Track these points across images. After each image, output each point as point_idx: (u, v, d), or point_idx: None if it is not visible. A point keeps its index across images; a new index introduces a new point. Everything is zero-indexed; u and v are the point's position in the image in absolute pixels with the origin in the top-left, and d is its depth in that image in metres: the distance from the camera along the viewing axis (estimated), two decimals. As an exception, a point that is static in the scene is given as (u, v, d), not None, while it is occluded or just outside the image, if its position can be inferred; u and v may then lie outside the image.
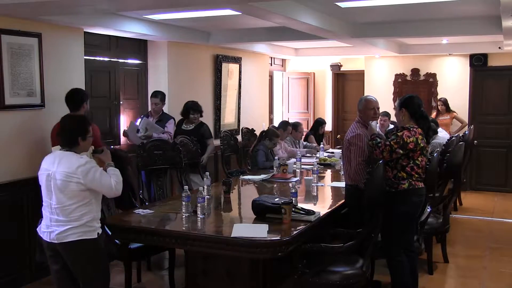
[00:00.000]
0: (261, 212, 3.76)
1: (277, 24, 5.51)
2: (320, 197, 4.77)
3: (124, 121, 6.39)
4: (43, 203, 3.28)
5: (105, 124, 6.01)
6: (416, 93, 4.49)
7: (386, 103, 8.95)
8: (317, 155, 6.95)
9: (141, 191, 5.11)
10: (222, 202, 4.48)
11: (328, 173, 5.98)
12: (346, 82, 10.89)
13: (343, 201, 4.38)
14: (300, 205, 3.92)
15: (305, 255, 3.59)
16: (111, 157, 3.55)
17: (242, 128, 7.58)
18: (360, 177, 4.09)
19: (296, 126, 7.29)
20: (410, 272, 4.06)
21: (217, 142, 6.91)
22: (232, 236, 3.32)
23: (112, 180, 3.29)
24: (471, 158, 8.47)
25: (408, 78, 9.59)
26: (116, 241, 3.91)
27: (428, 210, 4.64)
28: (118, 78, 6.23)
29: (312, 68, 10.79)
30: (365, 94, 7.20)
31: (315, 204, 4.43)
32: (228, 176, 6.06)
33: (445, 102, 8.86)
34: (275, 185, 5.18)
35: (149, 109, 6.08)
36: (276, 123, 9.73)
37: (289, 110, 10.79)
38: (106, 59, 6.07)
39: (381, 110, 5.13)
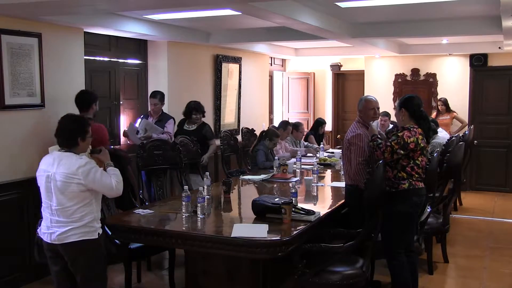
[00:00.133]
0: (261, 212, 3.76)
1: (277, 24, 5.51)
2: (320, 197, 4.77)
3: (124, 121, 6.39)
4: (43, 204, 3.27)
5: (105, 124, 5.98)
6: (416, 93, 4.50)
7: (386, 103, 8.96)
8: (317, 155, 6.95)
9: (141, 191, 5.11)
10: (222, 202, 4.48)
11: (328, 173, 5.98)
12: (346, 82, 10.89)
13: (343, 201, 4.38)
14: (300, 205, 3.92)
15: (305, 255, 3.59)
16: (111, 157, 3.53)
17: (242, 128, 7.58)
18: (360, 177, 4.09)
19: (297, 126, 7.29)
20: (410, 272, 4.06)
21: (217, 142, 6.90)
22: (232, 236, 3.32)
23: (112, 180, 3.28)
24: (471, 158, 8.46)
25: (408, 78, 9.59)
26: (116, 241, 3.90)
27: (428, 210, 4.64)
28: (118, 78, 6.23)
29: (312, 68, 10.80)
30: (365, 94, 7.20)
31: (315, 204, 4.43)
32: (228, 176, 6.06)
33: (445, 102, 8.87)
34: (275, 185, 5.18)
35: (149, 109, 6.07)
36: (276, 123, 9.73)
37: (289, 110, 10.79)
38: (106, 59, 6.07)
39: (381, 110, 5.14)
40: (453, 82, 9.25)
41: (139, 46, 6.62)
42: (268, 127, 7.77)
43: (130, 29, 5.59)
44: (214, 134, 6.39)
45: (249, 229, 3.44)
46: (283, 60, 10.85)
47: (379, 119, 7.36)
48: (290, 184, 4.51)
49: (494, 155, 9.04)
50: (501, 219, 7.26)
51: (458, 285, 5.06)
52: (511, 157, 8.97)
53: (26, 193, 4.70)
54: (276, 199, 3.79)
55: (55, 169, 3.16)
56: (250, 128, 7.46)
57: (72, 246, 3.17)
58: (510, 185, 8.96)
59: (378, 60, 9.81)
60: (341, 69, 10.72)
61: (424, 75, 9.48)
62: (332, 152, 7.23)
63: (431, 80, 9.41)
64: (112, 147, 5.55)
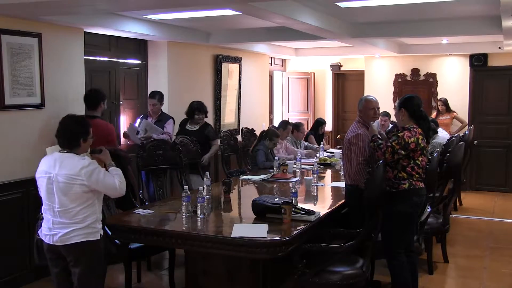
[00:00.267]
0: (261, 212, 3.76)
1: (277, 24, 5.51)
2: (320, 197, 4.77)
3: (124, 121, 6.39)
4: (44, 206, 3.24)
5: (105, 124, 6.01)
6: (416, 93, 4.50)
7: (386, 103, 8.96)
8: (317, 155, 6.95)
9: (141, 191, 5.11)
10: (222, 202, 4.48)
11: (328, 173, 5.98)
12: (346, 82, 10.89)
13: (343, 201, 4.38)
14: (300, 205, 3.92)
15: (305, 255, 3.59)
16: (111, 157, 3.53)
17: (242, 128, 7.58)
18: (361, 177, 4.08)
19: (298, 126, 7.29)
20: (410, 272, 4.06)
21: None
22: (232, 236, 3.32)
23: (116, 180, 3.26)
24: (471, 158, 8.46)
25: (408, 78, 9.59)
26: (116, 241, 3.90)
27: (428, 210, 4.64)
28: (118, 78, 6.23)
29: (312, 68, 10.79)
30: (365, 94, 7.20)
31: (315, 204, 4.43)
32: (228, 176, 6.06)
33: (445, 102, 8.87)
34: (275, 185, 5.18)
35: (148, 109, 6.07)
36: (276, 123, 9.73)
37: (289, 110, 10.79)
38: (106, 59, 6.07)
39: (381, 110, 5.13)
40: (453, 82, 9.25)
41: (139, 46, 6.62)
42: (268, 127, 7.77)
43: (130, 29, 5.59)
44: (216, 135, 6.39)
45: (249, 229, 3.44)
46: (283, 60, 10.85)
47: (379, 119, 7.37)
48: (290, 184, 4.51)
49: (494, 155, 9.04)
50: (501, 219, 7.26)
51: (458, 285, 5.06)
52: (511, 157, 8.97)
53: (26, 193, 4.70)
54: (276, 199, 3.79)
55: (57, 170, 3.13)
56: (250, 128, 7.46)
57: (74, 247, 3.15)
58: (510, 185, 8.96)
59: (378, 60, 9.81)
60: (341, 69, 10.72)
61: (424, 75, 9.48)
62: (332, 152, 7.23)
63: (431, 80, 9.41)
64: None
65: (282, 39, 7.11)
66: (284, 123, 7.14)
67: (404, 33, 6.47)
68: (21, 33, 4.62)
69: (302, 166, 5.97)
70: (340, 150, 5.95)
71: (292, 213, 3.65)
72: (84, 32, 5.38)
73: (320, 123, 8.34)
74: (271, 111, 10.22)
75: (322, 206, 4.34)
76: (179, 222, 3.83)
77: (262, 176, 5.44)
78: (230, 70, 8.09)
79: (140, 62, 6.67)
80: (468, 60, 9.06)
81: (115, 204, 4.38)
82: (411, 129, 3.96)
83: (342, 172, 5.24)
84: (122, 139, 6.17)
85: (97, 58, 5.92)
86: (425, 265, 4.98)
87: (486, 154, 9.09)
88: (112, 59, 6.14)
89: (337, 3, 4.95)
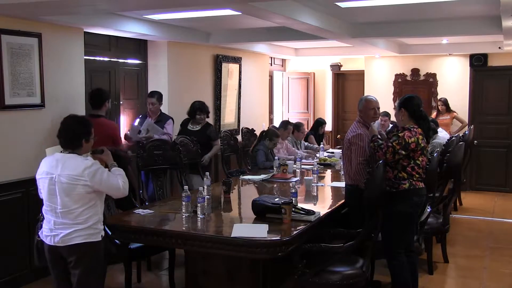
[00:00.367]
0: (261, 212, 3.76)
1: (277, 24, 5.51)
2: (320, 197, 4.77)
3: (124, 121, 6.39)
4: (45, 207, 3.22)
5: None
6: (416, 93, 4.50)
7: (386, 103, 8.96)
8: (317, 155, 6.95)
9: (141, 191, 5.12)
10: (222, 202, 4.48)
11: (328, 173, 5.98)
12: (346, 82, 10.89)
13: (343, 201, 4.38)
14: (300, 205, 3.92)
15: (305, 255, 3.59)
16: (112, 157, 3.52)
17: (242, 128, 7.57)
18: (361, 177, 4.09)
19: (298, 126, 7.29)
20: (410, 272, 4.06)
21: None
22: (232, 236, 3.32)
23: (119, 181, 3.25)
24: (471, 158, 8.47)
25: (408, 78, 9.59)
26: (116, 241, 3.90)
27: (428, 210, 4.64)
28: (118, 78, 6.23)
29: (312, 68, 10.79)
30: (365, 94, 7.20)
31: (315, 204, 4.43)
32: (228, 176, 6.06)
33: (445, 102, 8.87)
34: (275, 185, 5.18)
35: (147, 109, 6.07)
36: (276, 123, 9.74)
37: (289, 110, 10.79)
38: (106, 59, 6.07)
39: (381, 110, 5.13)
40: (453, 82, 9.25)
41: (139, 46, 6.62)
42: (268, 127, 7.77)
43: (130, 29, 5.59)
44: (218, 135, 6.39)
45: (249, 229, 3.44)
46: (283, 60, 10.85)
47: (379, 119, 7.38)
48: (290, 184, 4.50)
49: (494, 155, 9.04)
50: (501, 219, 7.26)
51: (458, 285, 5.06)
52: (511, 157, 8.97)
53: (26, 193, 4.70)
54: (276, 199, 3.79)
55: (59, 171, 3.11)
56: (250, 128, 7.46)
57: (76, 248, 3.13)
58: (510, 185, 8.96)
59: (378, 60, 9.81)
60: (341, 69, 10.72)
61: (424, 75, 9.48)
62: (332, 152, 7.23)
63: (431, 80, 9.41)
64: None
65: (282, 39, 7.11)
66: (285, 123, 7.14)
67: (404, 33, 6.47)
68: (21, 33, 4.62)
69: (302, 166, 5.97)
70: (340, 150, 5.95)
71: (292, 213, 3.65)
72: (84, 32, 5.38)
73: (320, 123, 8.34)
74: (271, 111, 10.22)
75: (322, 206, 4.34)
76: (179, 222, 3.83)
77: (262, 176, 5.44)
78: (230, 70, 8.09)
79: (140, 62, 6.67)
80: (468, 60, 9.06)
81: (115, 204, 4.37)
82: (411, 129, 3.96)
83: (342, 172, 5.24)
84: (123, 141, 6.17)
85: (97, 58, 5.92)
86: (425, 265, 4.98)
87: (486, 154, 9.09)
88: (112, 59, 6.14)
89: (337, 3, 4.95)
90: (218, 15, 5.37)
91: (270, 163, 6.04)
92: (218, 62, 7.74)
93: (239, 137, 7.27)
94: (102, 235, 3.25)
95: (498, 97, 8.94)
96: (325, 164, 6.35)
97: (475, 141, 8.80)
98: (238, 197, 5.03)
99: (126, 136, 5.86)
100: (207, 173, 4.59)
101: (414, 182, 3.96)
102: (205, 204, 3.95)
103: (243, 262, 3.62)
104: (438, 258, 5.27)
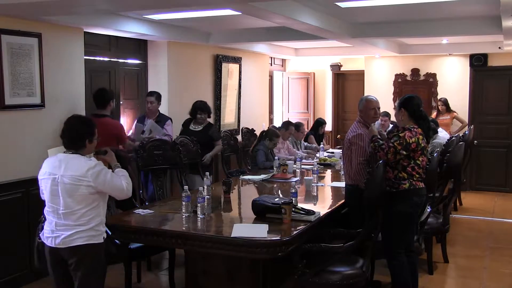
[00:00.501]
0: (261, 212, 3.76)
1: (277, 24, 5.51)
2: (320, 197, 4.77)
3: (124, 121, 6.38)
4: (47, 208, 3.19)
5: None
6: (416, 93, 4.50)
7: (386, 103, 8.96)
8: (317, 155, 6.95)
9: (141, 191, 5.12)
10: (222, 202, 4.48)
11: (328, 173, 5.98)
12: (346, 82, 10.89)
13: (343, 201, 4.38)
14: (300, 205, 3.92)
15: (305, 255, 3.59)
16: (115, 157, 3.49)
17: (242, 128, 7.58)
18: (361, 177, 4.09)
19: (298, 126, 7.28)
20: (410, 272, 4.06)
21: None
22: (232, 236, 3.32)
23: (123, 182, 3.23)
24: (471, 158, 8.46)
25: (408, 78, 9.59)
26: (116, 241, 3.90)
27: (428, 210, 4.63)
28: (118, 78, 6.23)
29: (312, 68, 10.79)
30: (365, 94, 7.20)
31: (315, 204, 4.43)
32: (228, 176, 6.06)
33: (445, 102, 8.87)
34: (275, 185, 5.18)
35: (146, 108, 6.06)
36: (276, 123, 9.75)
37: (289, 110, 10.79)
38: (106, 59, 6.07)
39: (381, 110, 5.13)
40: (453, 82, 9.25)
41: (139, 46, 6.61)
42: (268, 127, 7.77)
43: (130, 29, 5.59)
44: (220, 135, 6.38)
45: (249, 229, 3.44)
46: (283, 60, 10.85)
47: (380, 119, 7.37)
48: (290, 184, 4.50)
49: (494, 155, 9.04)
50: (501, 219, 7.26)
51: (458, 285, 5.06)
52: (511, 157, 8.96)
53: (26, 193, 4.70)
54: (276, 199, 3.79)
55: (62, 171, 3.08)
56: (250, 128, 7.46)
57: (77, 250, 3.11)
58: (510, 185, 8.96)
59: (378, 60, 9.81)
60: (341, 69, 10.72)
61: (424, 75, 9.48)
62: (332, 152, 7.23)
63: (431, 80, 9.41)
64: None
65: (282, 39, 7.11)
66: (286, 124, 7.13)
67: (404, 33, 6.47)
68: (21, 33, 4.62)
69: (302, 166, 5.97)
70: (340, 150, 5.95)
71: (292, 213, 3.65)
72: (84, 32, 5.38)
73: (320, 123, 8.34)
74: (271, 111, 10.22)
75: (322, 206, 4.34)
76: (179, 222, 3.83)
77: (262, 176, 5.44)
78: (230, 70, 8.09)
79: (140, 62, 6.67)
80: (468, 60, 9.06)
81: (115, 204, 4.38)
82: (412, 129, 3.96)
83: (342, 172, 5.24)
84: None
85: (97, 58, 5.92)
86: (425, 265, 4.98)
87: (486, 154, 9.09)
88: (112, 59, 6.14)
89: (337, 3, 4.95)
90: (218, 15, 5.37)
91: (270, 163, 6.04)
92: (218, 62, 7.74)
93: (239, 137, 7.27)
94: (104, 237, 3.22)
95: (498, 97, 8.94)
96: (325, 164, 6.35)
97: (475, 141, 8.80)
98: (238, 197, 5.03)
99: (129, 138, 5.86)
100: (207, 173, 4.59)
101: (414, 182, 3.96)
102: (205, 204, 3.95)
103: (243, 262, 3.62)
104: (438, 258, 5.27)
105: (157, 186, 5.12)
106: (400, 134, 3.94)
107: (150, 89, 6.52)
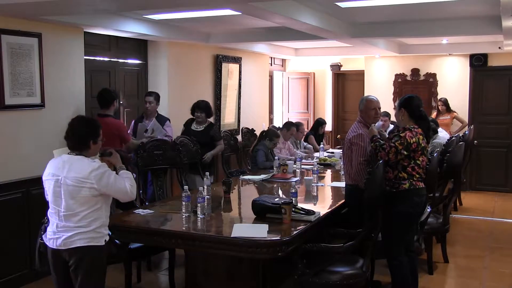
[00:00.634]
0: (261, 212, 3.76)
1: (277, 24, 5.51)
2: (320, 197, 4.77)
3: (124, 122, 6.38)
4: (50, 210, 3.17)
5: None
6: (416, 93, 4.50)
7: (386, 103, 8.95)
8: (316, 155, 6.95)
9: (141, 191, 5.11)
10: (222, 202, 4.48)
11: (328, 173, 5.98)
12: (346, 82, 10.89)
13: (343, 201, 4.38)
14: (300, 205, 3.92)
15: (305, 255, 3.59)
16: (120, 159, 3.47)
17: (242, 128, 7.58)
18: (361, 177, 4.09)
19: (297, 126, 7.28)
20: (410, 272, 4.06)
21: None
22: (232, 236, 3.32)
23: (127, 184, 3.19)
24: (471, 158, 8.47)
25: (408, 78, 9.59)
26: (116, 241, 3.90)
27: (428, 210, 4.64)
28: (118, 78, 6.23)
29: (312, 68, 10.79)
30: (365, 94, 7.20)
31: (315, 204, 4.43)
32: (228, 176, 6.06)
33: (445, 102, 8.87)
34: (275, 185, 5.19)
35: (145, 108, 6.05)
36: (276, 123, 9.75)
37: (289, 110, 10.79)
38: (106, 59, 6.07)
39: (381, 110, 5.13)
40: (453, 82, 9.25)
41: (139, 46, 6.61)
42: (268, 127, 7.77)
43: (130, 29, 5.59)
44: (221, 135, 6.38)
45: (249, 229, 3.44)
46: (283, 60, 10.85)
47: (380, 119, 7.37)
48: (290, 184, 4.50)
49: (494, 155, 9.04)
50: (501, 219, 7.26)
51: (458, 285, 5.06)
52: (511, 157, 8.96)
53: (26, 193, 4.69)
54: (276, 199, 3.79)
55: (66, 173, 3.06)
56: (250, 128, 7.46)
57: (77, 251, 3.09)
58: (510, 185, 8.96)
59: (378, 60, 9.81)
60: (341, 69, 10.72)
61: (424, 75, 9.48)
62: (332, 152, 7.23)
63: (431, 80, 9.41)
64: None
65: (282, 39, 7.10)
66: (288, 125, 7.13)
67: (404, 33, 6.47)
68: (21, 33, 4.62)
69: (302, 166, 5.97)
70: (340, 150, 5.95)
71: (292, 213, 3.65)
72: (84, 32, 5.38)
73: (320, 123, 8.34)
74: (271, 111, 10.22)
75: (322, 206, 4.34)
76: (179, 222, 3.83)
77: (262, 176, 5.44)
78: (230, 70, 8.10)
79: (140, 62, 6.67)
80: (468, 60, 9.06)
81: (115, 204, 4.37)
82: (412, 129, 3.96)
83: (342, 172, 5.24)
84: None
85: (97, 58, 5.92)
86: (425, 265, 4.98)
87: (486, 154, 9.09)
88: (112, 59, 6.14)
89: (337, 3, 4.95)
90: (218, 15, 5.37)
91: (270, 163, 6.04)
92: (218, 62, 7.74)
93: (239, 137, 7.27)
94: (105, 240, 3.19)
95: (498, 97, 8.94)
96: (325, 164, 6.35)
97: (475, 141, 8.80)
98: (238, 197, 5.03)
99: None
100: (207, 173, 4.59)
101: (414, 182, 3.96)
102: (205, 204, 3.95)
103: (243, 262, 3.62)
104: (438, 258, 5.27)
105: (157, 186, 5.12)
106: (401, 134, 3.94)
107: (150, 89, 6.53)
